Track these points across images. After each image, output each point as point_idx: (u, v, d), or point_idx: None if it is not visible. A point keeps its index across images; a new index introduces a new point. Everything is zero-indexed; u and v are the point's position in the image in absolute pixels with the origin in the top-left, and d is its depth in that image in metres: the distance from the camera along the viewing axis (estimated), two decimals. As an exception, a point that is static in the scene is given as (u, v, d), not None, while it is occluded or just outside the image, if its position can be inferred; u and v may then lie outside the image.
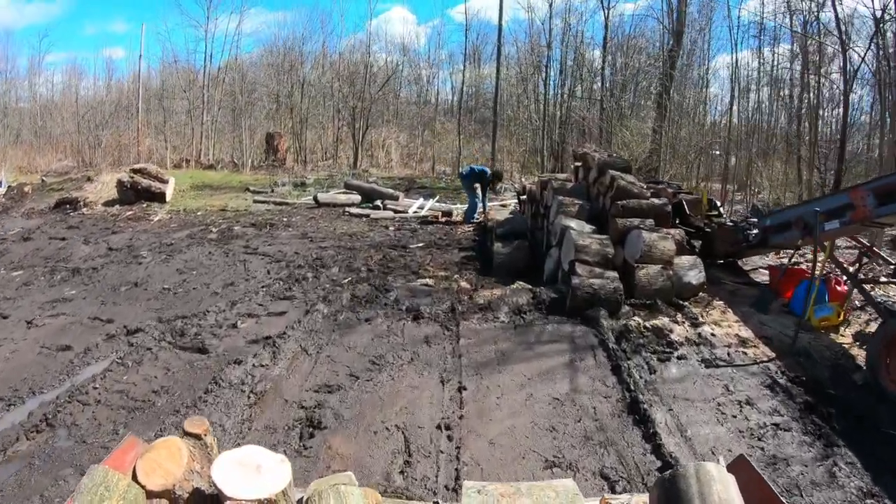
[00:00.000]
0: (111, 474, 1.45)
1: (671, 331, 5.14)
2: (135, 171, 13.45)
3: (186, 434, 1.81)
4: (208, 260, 7.79)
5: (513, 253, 6.71)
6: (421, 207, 10.52)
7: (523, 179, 10.52)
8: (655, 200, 6.84)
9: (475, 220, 9.85)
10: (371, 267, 7.00)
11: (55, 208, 12.21)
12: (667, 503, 1.46)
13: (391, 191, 11.31)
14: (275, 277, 6.70)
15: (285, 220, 10.29)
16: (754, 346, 4.90)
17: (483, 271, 6.85)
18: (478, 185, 9.89)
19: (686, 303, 5.89)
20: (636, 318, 5.25)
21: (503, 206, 11.99)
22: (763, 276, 7.33)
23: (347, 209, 10.60)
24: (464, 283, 5.68)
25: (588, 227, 6.34)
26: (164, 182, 13.18)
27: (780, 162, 14.17)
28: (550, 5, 17.59)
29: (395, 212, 10.42)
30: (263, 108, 23.93)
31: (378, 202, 10.90)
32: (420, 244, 8.32)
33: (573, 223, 6.26)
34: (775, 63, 15.65)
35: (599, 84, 18.38)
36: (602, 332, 4.92)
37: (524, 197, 8.76)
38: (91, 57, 37.72)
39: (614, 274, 5.67)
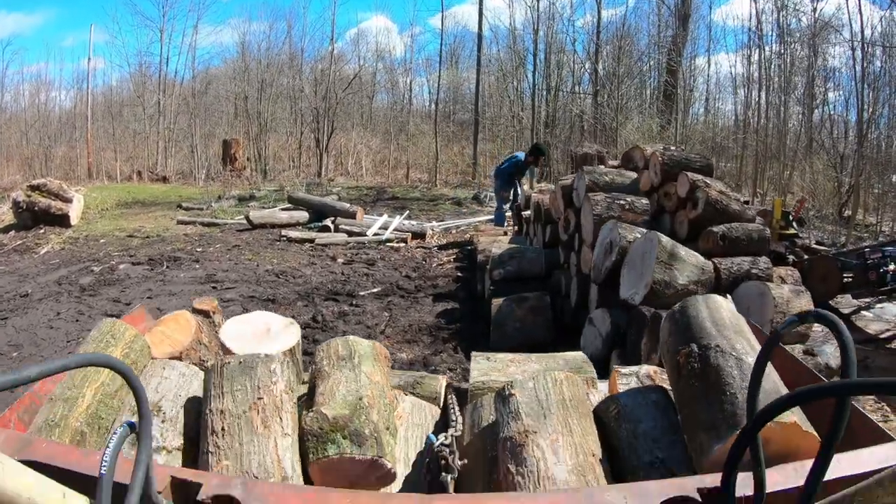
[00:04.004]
0: (118, 324, 1.39)
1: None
2: (32, 188, 10.12)
3: (196, 311, 1.75)
4: (48, 329, 4.64)
5: (526, 318, 3.65)
6: (384, 228, 7.35)
7: (526, 187, 7.40)
8: (759, 221, 3.90)
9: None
10: (285, 344, 3.91)
11: (-45, 236, 9.06)
12: (678, 333, 1.23)
13: (347, 206, 8.11)
14: (109, 374, 3.57)
15: (199, 250, 7.09)
16: None
17: (473, 345, 3.82)
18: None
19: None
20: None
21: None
22: (874, 325, 4.59)
23: (286, 232, 7.42)
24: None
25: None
26: (67, 201, 9.86)
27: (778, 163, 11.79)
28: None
29: (350, 234, 7.28)
30: (223, 114, 20.62)
31: (329, 221, 7.72)
32: (376, 289, 5.21)
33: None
34: (770, 63, 12.98)
35: (592, 76, 15.42)
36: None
37: (528, 213, 5.67)
38: (71, 67, 33.99)
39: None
